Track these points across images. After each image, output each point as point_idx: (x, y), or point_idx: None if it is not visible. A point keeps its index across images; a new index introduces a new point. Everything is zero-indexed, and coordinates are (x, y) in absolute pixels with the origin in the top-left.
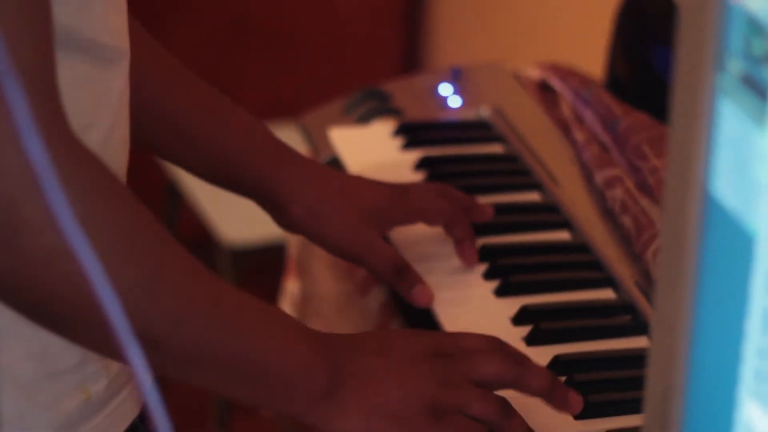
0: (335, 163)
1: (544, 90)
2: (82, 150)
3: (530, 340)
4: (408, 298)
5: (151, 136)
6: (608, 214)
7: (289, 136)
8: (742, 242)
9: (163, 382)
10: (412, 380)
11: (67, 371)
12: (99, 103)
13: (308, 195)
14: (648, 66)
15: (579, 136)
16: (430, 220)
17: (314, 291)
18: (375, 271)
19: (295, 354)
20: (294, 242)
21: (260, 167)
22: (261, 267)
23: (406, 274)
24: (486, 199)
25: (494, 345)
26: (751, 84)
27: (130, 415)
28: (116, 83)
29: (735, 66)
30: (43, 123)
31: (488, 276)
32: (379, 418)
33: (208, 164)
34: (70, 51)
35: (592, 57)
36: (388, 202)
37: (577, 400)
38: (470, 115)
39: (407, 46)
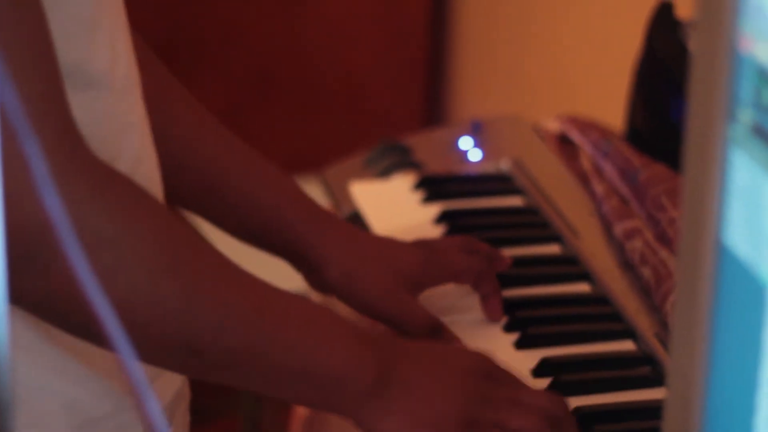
0: (356, 218)
1: (564, 143)
2: (106, 170)
3: None
4: None
5: (179, 186)
6: (627, 266)
7: (311, 189)
8: (755, 291)
9: None
10: (455, 393)
11: (102, 419)
12: (119, 137)
13: (343, 258)
14: (667, 117)
15: (598, 188)
16: (461, 280)
17: None
18: (411, 333)
19: (340, 354)
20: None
21: (294, 227)
22: None
23: (442, 334)
24: (506, 252)
25: (552, 412)
26: (761, 134)
27: None
28: (134, 114)
29: (746, 116)
30: (57, 149)
31: (508, 329)
32: (419, 424)
33: (240, 220)
34: (82, 87)
35: (612, 110)
36: (423, 266)
37: None
38: (490, 168)
39: (428, 100)
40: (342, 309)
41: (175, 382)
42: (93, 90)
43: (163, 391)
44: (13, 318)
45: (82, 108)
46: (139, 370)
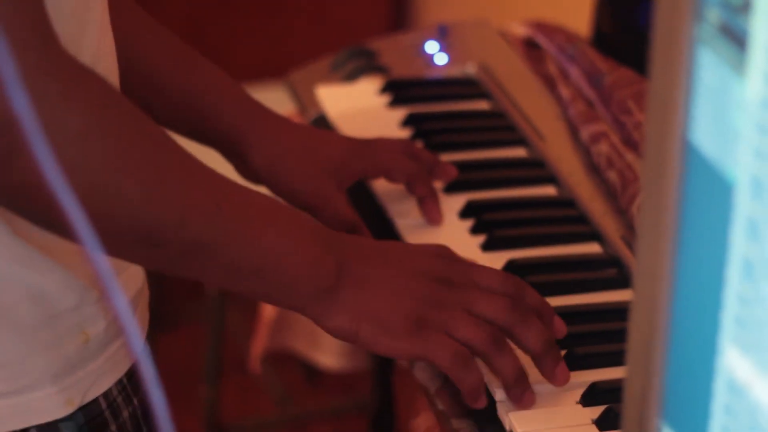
0: (322, 121)
1: (530, 47)
2: (78, 66)
3: None
4: None
5: (126, 86)
6: (594, 169)
7: (277, 95)
8: (721, 190)
9: (152, 339)
10: (406, 292)
11: (66, 313)
12: (81, 34)
13: (269, 146)
14: (633, 21)
15: (564, 92)
16: (392, 177)
17: None
18: (328, 223)
19: (302, 251)
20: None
21: (228, 119)
22: None
23: (356, 231)
24: (472, 155)
25: (510, 288)
26: (729, 33)
27: (129, 360)
28: (95, 12)
29: (713, 15)
30: (30, 45)
31: (475, 231)
32: (366, 322)
33: (179, 114)
34: None
35: (578, 14)
36: (349, 156)
37: (564, 374)
38: (456, 72)
39: (394, 4)
40: None
41: (136, 280)
42: None
43: (125, 288)
44: None
45: (49, 6)
46: (105, 262)
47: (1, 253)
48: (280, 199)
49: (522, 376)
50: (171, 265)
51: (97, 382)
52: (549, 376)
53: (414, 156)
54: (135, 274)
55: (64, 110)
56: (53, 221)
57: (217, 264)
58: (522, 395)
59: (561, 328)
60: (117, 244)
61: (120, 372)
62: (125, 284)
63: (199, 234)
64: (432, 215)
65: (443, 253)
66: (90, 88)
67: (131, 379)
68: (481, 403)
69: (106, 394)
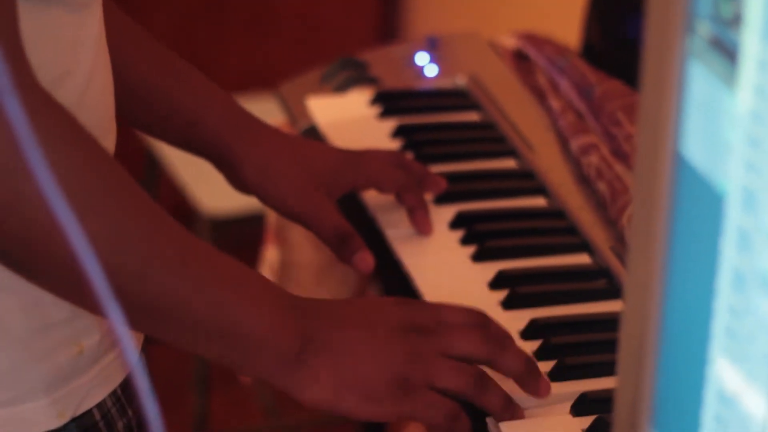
0: (313, 132)
1: (520, 59)
2: (47, 97)
3: (507, 305)
4: (348, 264)
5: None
6: (583, 181)
7: (267, 106)
8: (712, 202)
9: (144, 348)
10: (383, 355)
11: (60, 324)
12: (75, 50)
13: (259, 156)
14: (623, 34)
15: (554, 103)
16: (382, 188)
17: (292, 259)
18: (319, 234)
19: (264, 315)
20: (273, 212)
21: (217, 129)
22: (240, 236)
23: (349, 241)
24: (462, 166)
25: (476, 320)
26: (720, 46)
27: (123, 372)
28: (91, 29)
29: (704, 29)
30: (7, 67)
31: (465, 242)
32: (348, 391)
33: (167, 124)
34: (37, 0)
35: (568, 26)
36: (339, 167)
37: (546, 387)
38: (446, 83)
39: (384, 16)
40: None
41: None
42: (46, 3)
43: None
44: None
45: (37, 21)
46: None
47: None
48: (271, 211)
49: (510, 402)
50: (131, 318)
51: (90, 393)
52: (534, 392)
53: (404, 167)
54: None
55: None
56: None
57: (179, 323)
58: (513, 417)
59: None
60: (69, 291)
61: (114, 384)
62: None
63: (162, 288)
64: (422, 226)
65: (403, 300)
66: (58, 121)
67: (126, 390)
68: None
69: (100, 406)
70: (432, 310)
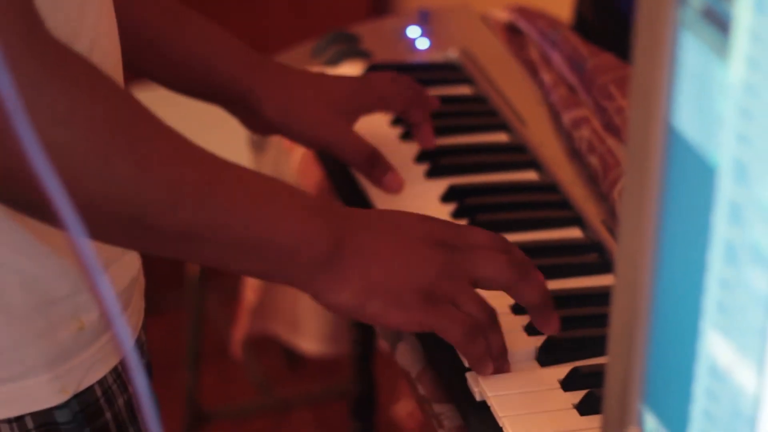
0: None
1: (512, 32)
2: (64, 50)
3: None
4: (380, 185)
5: (128, 53)
6: (575, 154)
7: None
8: (704, 174)
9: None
10: (414, 264)
11: (60, 300)
12: (83, 12)
13: (279, 95)
14: (614, 8)
15: (546, 77)
16: (391, 106)
17: None
18: (348, 159)
19: (296, 224)
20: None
21: (232, 72)
22: None
23: (378, 161)
24: (454, 140)
25: (502, 245)
26: (712, 17)
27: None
28: None
29: (696, 0)
30: (16, 28)
31: (457, 215)
32: (376, 295)
33: (181, 72)
34: None
35: (560, 0)
36: (354, 92)
37: (556, 324)
38: (438, 57)
39: None
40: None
41: (131, 268)
42: None
43: (119, 276)
44: None
45: None
46: (91, 253)
47: None
48: (297, 145)
49: (538, 309)
50: (165, 248)
51: (91, 369)
52: (545, 326)
53: (405, 83)
54: (130, 263)
55: (51, 93)
56: (39, 207)
57: (213, 244)
58: (550, 317)
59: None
60: (108, 229)
61: (115, 360)
62: (119, 273)
63: (193, 215)
64: (426, 139)
65: (431, 216)
66: (77, 71)
67: (126, 367)
68: (489, 370)
69: (101, 382)
70: (458, 228)
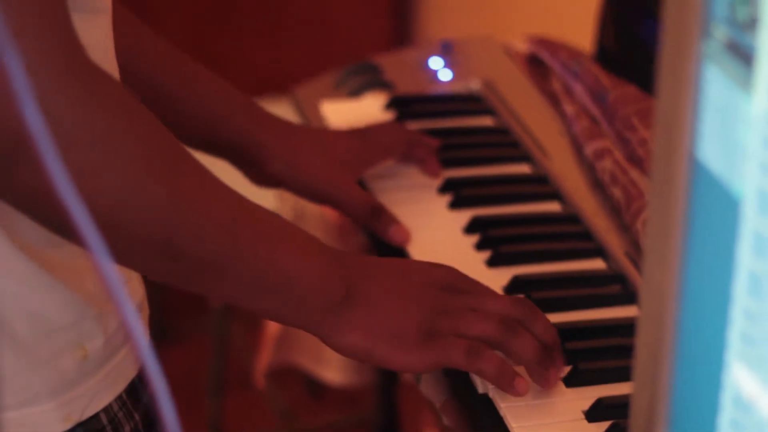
0: None
1: (534, 63)
2: (104, 74)
3: None
4: (385, 237)
5: None
6: (598, 186)
7: (281, 110)
8: (728, 206)
9: (157, 353)
10: (413, 305)
11: (64, 328)
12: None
13: (286, 151)
14: (636, 39)
15: (568, 108)
16: (394, 154)
17: None
18: (352, 213)
19: (312, 267)
20: (287, 216)
21: (240, 129)
22: None
23: (382, 214)
24: (477, 171)
25: (505, 303)
26: (736, 50)
27: (128, 375)
28: (100, 36)
29: (720, 32)
30: (58, 51)
31: (480, 247)
32: (380, 338)
33: (184, 126)
34: None
35: (582, 31)
36: (356, 148)
37: (552, 381)
38: (461, 88)
39: (398, 20)
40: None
41: (135, 295)
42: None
43: (132, 293)
44: None
45: None
46: (112, 269)
47: (0, 268)
48: (301, 200)
49: (544, 352)
50: (187, 279)
51: (96, 398)
52: (540, 381)
53: (402, 130)
54: (134, 289)
55: (90, 114)
56: (63, 226)
57: (231, 280)
58: (547, 373)
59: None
60: (134, 254)
61: (119, 388)
62: (131, 292)
63: (215, 247)
64: (434, 170)
65: (441, 264)
66: (116, 96)
67: (132, 394)
68: (523, 388)
69: (106, 410)
70: (469, 278)
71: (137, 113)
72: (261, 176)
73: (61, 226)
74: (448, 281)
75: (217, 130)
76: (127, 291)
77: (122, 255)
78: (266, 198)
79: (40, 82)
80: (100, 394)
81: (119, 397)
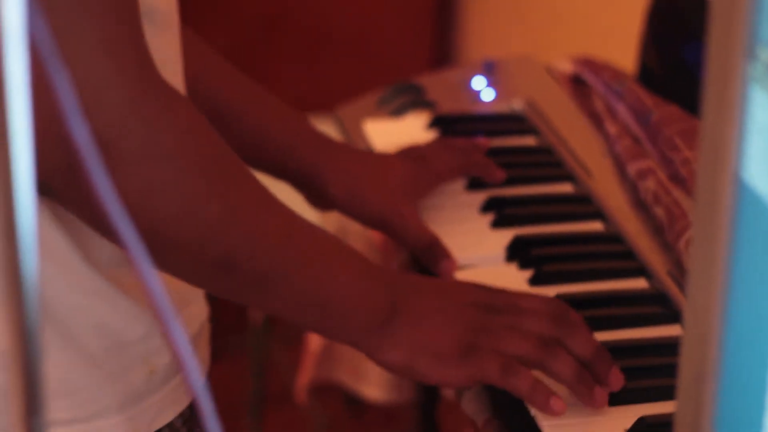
0: None
1: (577, 83)
2: (175, 92)
3: None
4: (434, 270)
5: None
6: (641, 205)
7: (324, 128)
8: None
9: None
10: (454, 323)
11: (133, 343)
12: (164, 68)
13: (345, 176)
14: (679, 59)
15: (611, 128)
16: (452, 176)
17: None
18: (408, 243)
19: (360, 286)
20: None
21: (301, 154)
22: None
23: (436, 247)
24: (520, 190)
25: (553, 309)
26: None
27: (192, 392)
28: (171, 50)
29: (766, 54)
30: (134, 67)
31: (522, 266)
32: (421, 355)
33: (248, 147)
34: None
35: (624, 50)
36: (414, 176)
37: (598, 401)
38: (503, 107)
39: (440, 40)
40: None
41: (200, 315)
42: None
43: (190, 322)
44: (51, 237)
45: None
46: (164, 294)
47: (72, 282)
48: (357, 224)
49: (583, 372)
50: (239, 293)
51: (161, 412)
52: (583, 399)
53: (456, 147)
54: (198, 310)
55: (159, 130)
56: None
57: (282, 294)
58: (590, 392)
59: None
60: (190, 268)
61: (183, 404)
62: (189, 319)
63: (268, 264)
64: (496, 175)
65: (483, 285)
66: (184, 112)
67: (194, 410)
68: (559, 407)
69: (170, 425)
70: (510, 295)
71: (203, 131)
72: (320, 200)
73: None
74: (489, 300)
75: (276, 153)
76: (186, 315)
77: (176, 268)
78: (310, 212)
79: (112, 96)
80: (165, 409)
81: (182, 413)
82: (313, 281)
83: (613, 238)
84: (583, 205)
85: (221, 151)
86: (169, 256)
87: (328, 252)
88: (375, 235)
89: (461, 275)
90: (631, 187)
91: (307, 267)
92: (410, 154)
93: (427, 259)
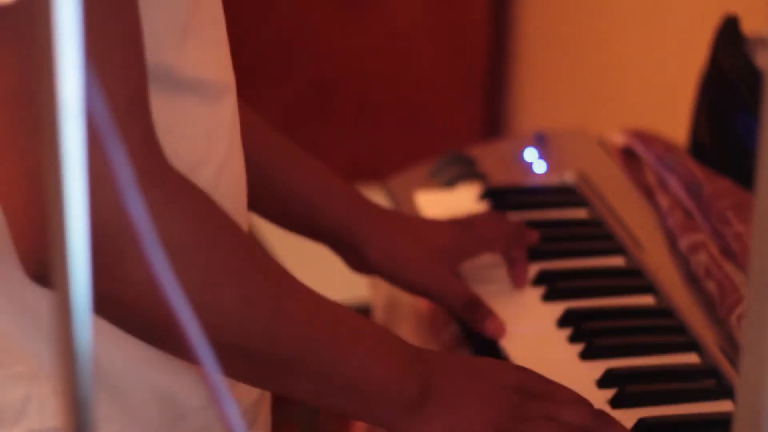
0: None
1: (629, 156)
2: (181, 178)
3: (615, 403)
4: (481, 330)
5: None
6: (692, 279)
7: (375, 198)
8: None
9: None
10: (490, 409)
11: (192, 413)
12: (209, 139)
13: (385, 240)
14: (731, 132)
15: (663, 201)
16: (494, 248)
17: None
18: (448, 305)
19: (385, 367)
20: (379, 304)
21: (337, 215)
22: None
23: (479, 307)
24: (570, 263)
25: (584, 402)
26: None
27: None
28: (225, 118)
29: None
30: (138, 155)
31: (573, 339)
32: None
33: (287, 212)
34: (174, 89)
35: (677, 123)
36: (457, 240)
37: None
38: (555, 180)
39: (491, 110)
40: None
41: (250, 393)
42: (180, 94)
43: (248, 391)
44: None
45: (169, 110)
46: (217, 372)
47: (131, 353)
48: (396, 288)
49: None
50: (262, 379)
51: None
52: None
53: (505, 223)
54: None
55: (167, 220)
56: (159, 334)
57: (307, 379)
58: None
59: None
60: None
61: None
62: (248, 387)
63: (291, 348)
64: (519, 278)
65: (520, 366)
66: (195, 201)
67: None
68: None
69: None
70: (544, 381)
71: (214, 218)
72: (358, 263)
73: (161, 332)
74: (525, 384)
75: (316, 215)
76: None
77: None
78: (360, 285)
79: (114, 186)
80: None
81: None
82: (339, 366)
83: (664, 312)
84: (635, 278)
85: (236, 239)
86: (182, 344)
87: (353, 333)
88: (423, 304)
89: (511, 346)
90: (683, 260)
91: (330, 352)
92: (461, 221)
93: (472, 320)
